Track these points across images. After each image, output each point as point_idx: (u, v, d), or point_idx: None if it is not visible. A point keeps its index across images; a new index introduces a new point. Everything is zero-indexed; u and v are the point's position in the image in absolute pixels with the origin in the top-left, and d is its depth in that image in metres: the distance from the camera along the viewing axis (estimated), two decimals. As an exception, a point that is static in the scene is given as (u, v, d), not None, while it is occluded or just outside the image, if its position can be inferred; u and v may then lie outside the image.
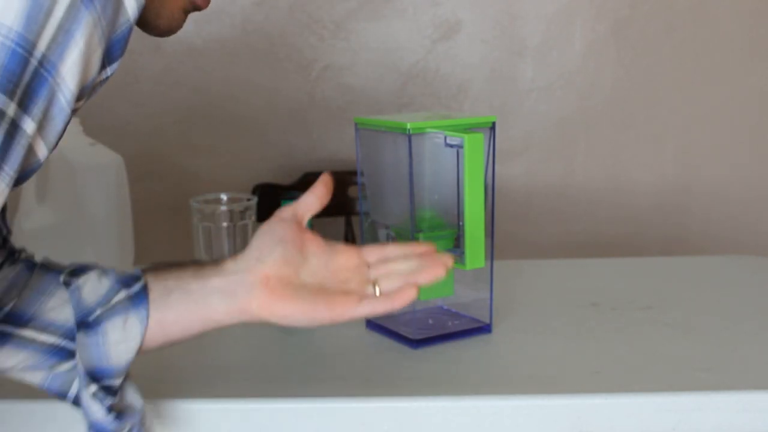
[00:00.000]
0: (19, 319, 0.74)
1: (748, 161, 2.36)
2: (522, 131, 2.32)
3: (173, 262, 0.78)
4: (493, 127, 1.01)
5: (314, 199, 0.79)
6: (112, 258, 1.27)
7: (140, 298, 0.74)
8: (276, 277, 0.73)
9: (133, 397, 0.76)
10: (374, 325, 1.08)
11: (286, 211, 0.78)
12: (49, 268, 0.79)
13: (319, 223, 2.02)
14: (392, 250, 0.80)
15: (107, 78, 0.61)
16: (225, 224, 1.23)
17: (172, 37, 0.77)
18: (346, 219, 2.15)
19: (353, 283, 0.76)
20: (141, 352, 0.75)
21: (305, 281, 0.75)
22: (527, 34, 2.28)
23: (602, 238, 2.35)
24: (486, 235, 0.98)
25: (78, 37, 0.54)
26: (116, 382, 0.74)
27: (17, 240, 1.26)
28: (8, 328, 0.73)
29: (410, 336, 1.02)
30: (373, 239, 1.08)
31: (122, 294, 0.74)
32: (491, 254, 1.03)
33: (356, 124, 1.06)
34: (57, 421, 0.86)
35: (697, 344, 1.03)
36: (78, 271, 0.77)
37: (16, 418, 0.86)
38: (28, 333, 0.74)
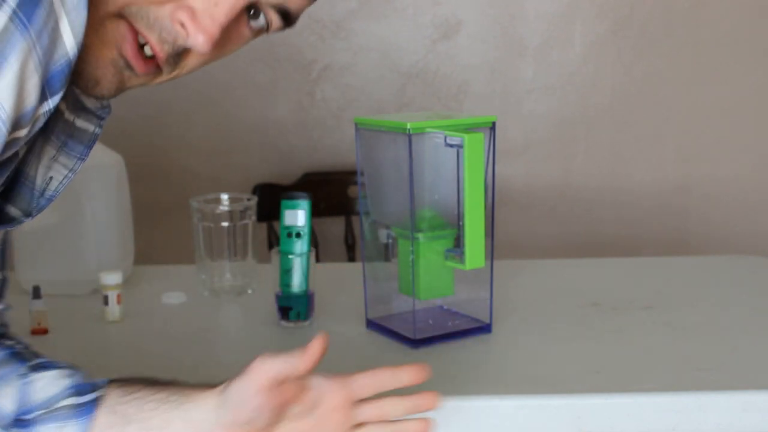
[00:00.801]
0: None
1: (748, 161, 2.36)
2: (522, 131, 2.31)
3: (146, 380, 0.76)
4: (493, 127, 1.01)
5: (304, 362, 0.71)
6: (112, 258, 1.27)
7: (87, 409, 0.71)
8: None
9: None
10: (374, 325, 1.08)
11: (265, 376, 0.70)
12: (22, 357, 0.76)
13: (320, 223, 2.02)
14: (384, 379, 0.75)
15: (50, 110, 0.61)
16: (225, 224, 1.23)
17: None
18: (346, 219, 2.15)
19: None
20: None
21: None
22: (527, 34, 2.28)
23: (602, 238, 2.35)
24: (486, 235, 0.98)
25: (12, 60, 0.56)
26: None
27: (17, 238, 1.26)
28: None
29: (410, 336, 1.02)
30: (373, 239, 1.08)
31: (70, 400, 0.72)
32: (491, 254, 1.03)
33: (356, 124, 1.06)
34: (57, 421, 0.86)
35: (697, 344, 1.03)
36: (42, 366, 0.74)
37: (16, 418, 0.86)
38: None
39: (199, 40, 0.65)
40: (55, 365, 0.75)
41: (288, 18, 0.70)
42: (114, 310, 1.14)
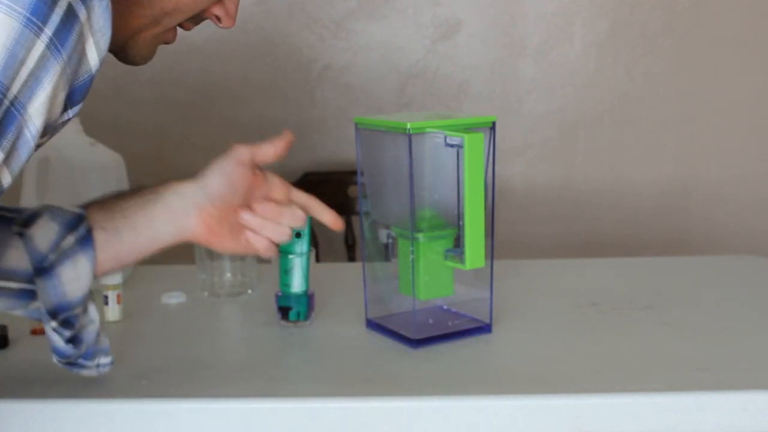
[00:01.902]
0: None
1: (748, 162, 2.36)
2: (522, 131, 2.31)
3: (117, 194, 0.87)
4: (493, 127, 1.01)
5: (272, 151, 0.90)
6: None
7: (86, 240, 0.83)
8: (217, 217, 0.85)
9: (92, 314, 0.87)
10: (374, 325, 1.08)
11: (243, 155, 0.88)
12: (3, 219, 0.85)
13: (320, 223, 2.02)
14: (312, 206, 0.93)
15: (69, 119, 0.68)
16: (225, 224, 1.23)
17: (172, 37, 0.81)
18: (346, 219, 2.15)
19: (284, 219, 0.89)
20: (99, 277, 0.87)
21: (237, 219, 0.87)
22: (527, 34, 2.28)
23: (602, 238, 2.35)
24: (486, 235, 0.98)
25: (46, 83, 0.62)
26: (77, 311, 0.84)
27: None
28: None
29: (410, 336, 1.02)
30: (373, 239, 1.08)
31: (70, 239, 0.82)
32: (491, 254, 1.02)
33: (356, 124, 1.06)
34: (57, 421, 0.86)
35: (697, 344, 1.03)
36: (28, 220, 0.84)
37: (16, 418, 0.86)
38: None
39: (229, 26, 0.82)
40: (36, 214, 0.84)
41: None
42: (114, 310, 1.14)
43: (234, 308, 1.22)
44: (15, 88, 0.60)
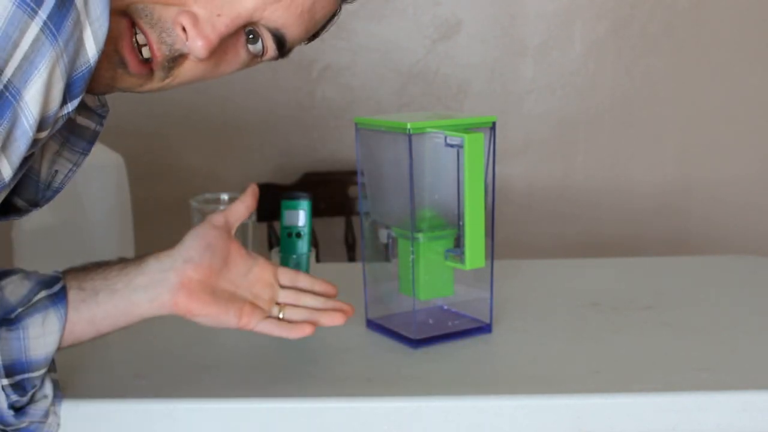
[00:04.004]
0: None
1: (748, 161, 2.36)
2: (522, 131, 2.31)
3: (100, 262, 0.85)
4: (493, 127, 1.01)
5: (243, 208, 0.88)
6: (112, 258, 1.27)
7: (60, 297, 0.79)
8: (197, 281, 0.82)
9: (47, 389, 0.81)
10: (374, 325, 1.08)
11: (218, 219, 0.86)
12: None
13: (320, 222, 2.02)
14: (303, 280, 0.91)
15: (68, 113, 0.65)
16: (225, 224, 1.23)
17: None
18: (346, 219, 2.15)
19: (263, 300, 0.88)
20: (71, 344, 0.81)
21: (221, 286, 0.84)
22: (527, 34, 2.28)
23: (602, 238, 2.35)
24: (486, 235, 0.98)
25: (42, 69, 0.59)
26: (35, 375, 0.78)
27: (17, 240, 1.26)
28: None
29: (410, 336, 1.02)
30: (373, 239, 1.08)
31: (43, 294, 0.79)
32: (491, 254, 1.02)
33: (356, 124, 1.06)
34: (57, 421, 0.86)
35: (697, 344, 1.03)
36: (2, 274, 0.81)
37: (16, 418, 0.86)
38: None
39: (197, 44, 0.70)
40: (11, 271, 0.82)
41: (282, 47, 0.78)
42: (114, 310, 1.13)
43: (234, 308, 1.21)
44: (9, 71, 0.58)
